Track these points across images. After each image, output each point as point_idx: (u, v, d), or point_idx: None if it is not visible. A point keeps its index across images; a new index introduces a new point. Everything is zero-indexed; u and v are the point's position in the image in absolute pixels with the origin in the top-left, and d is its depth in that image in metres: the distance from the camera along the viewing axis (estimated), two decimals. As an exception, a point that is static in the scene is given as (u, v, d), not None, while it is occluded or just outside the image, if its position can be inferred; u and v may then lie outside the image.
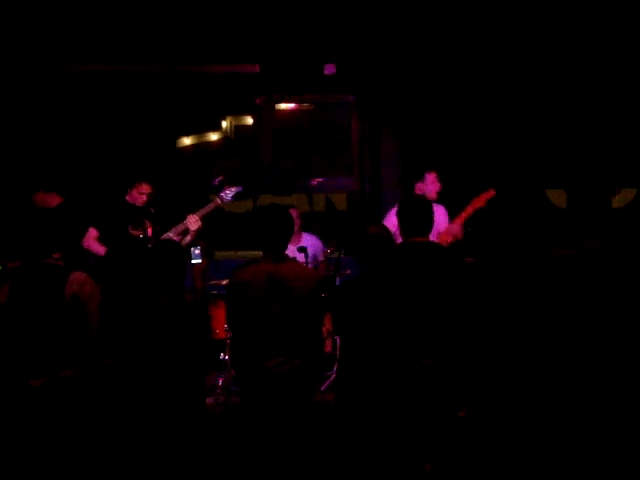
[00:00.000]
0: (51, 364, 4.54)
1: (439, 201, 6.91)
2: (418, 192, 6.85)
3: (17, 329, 4.59)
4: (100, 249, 6.64)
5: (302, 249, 7.12)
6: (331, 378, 6.83)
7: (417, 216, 5.03)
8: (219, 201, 6.80)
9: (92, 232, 6.69)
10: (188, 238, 6.59)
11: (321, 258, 7.67)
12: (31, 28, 8.11)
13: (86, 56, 8.40)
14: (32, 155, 8.35)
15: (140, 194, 6.73)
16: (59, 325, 4.56)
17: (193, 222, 6.60)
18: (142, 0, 8.13)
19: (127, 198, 6.80)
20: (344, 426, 4.65)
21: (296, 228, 7.31)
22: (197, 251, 6.46)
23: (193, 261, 6.44)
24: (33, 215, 6.86)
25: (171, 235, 6.59)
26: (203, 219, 6.67)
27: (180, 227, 6.66)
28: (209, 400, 6.45)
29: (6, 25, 8.00)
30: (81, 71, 8.56)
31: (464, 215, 6.80)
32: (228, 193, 6.83)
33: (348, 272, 7.29)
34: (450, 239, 6.63)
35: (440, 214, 6.85)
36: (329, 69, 8.79)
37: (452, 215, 6.98)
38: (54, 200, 7.20)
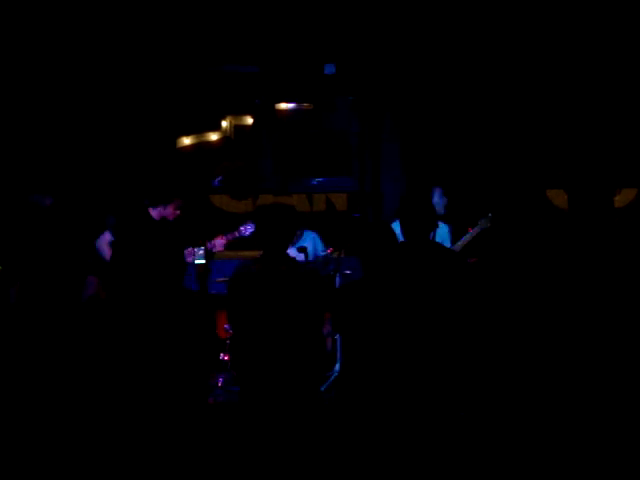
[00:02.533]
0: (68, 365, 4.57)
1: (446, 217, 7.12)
2: None
3: (30, 329, 4.61)
4: (109, 253, 6.64)
5: (302, 249, 7.11)
6: (331, 378, 6.82)
7: (418, 216, 5.02)
8: (237, 234, 6.95)
9: (107, 236, 6.70)
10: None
11: (320, 254, 7.64)
12: (32, 29, 8.11)
13: (87, 56, 8.40)
14: (30, 155, 8.34)
15: (176, 210, 6.77)
16: (76, 325, 4.60)
17: (220, 244, 6.76)
18: (141, 0, 8.13)
19: (154, 212, 6.74)
20: (346, 425, 4.65)
21: None
22: (200, 251, 6.47)
23: (196, 261, 6.45)
24: (54, 220, 6.88)
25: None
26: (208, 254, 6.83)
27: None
28: (209, 400, 6.45)
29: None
30: (85, 71, 8.55)
31: (466, 240, 7.04)
32: (248, 228, 6.96)
33: (348, 272, 7.28)
34: None
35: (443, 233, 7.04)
36: (329, 69, 8.79)
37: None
38: (48, 200, 7.20)
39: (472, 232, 7.21)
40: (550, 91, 8.66)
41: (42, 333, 4.82)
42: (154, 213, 6.74)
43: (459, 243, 7.20)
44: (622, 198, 8.59)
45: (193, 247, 6.56)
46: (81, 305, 4.57)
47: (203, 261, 6.51)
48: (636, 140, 8.60)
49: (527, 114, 8.69)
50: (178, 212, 6.79)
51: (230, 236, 6.99)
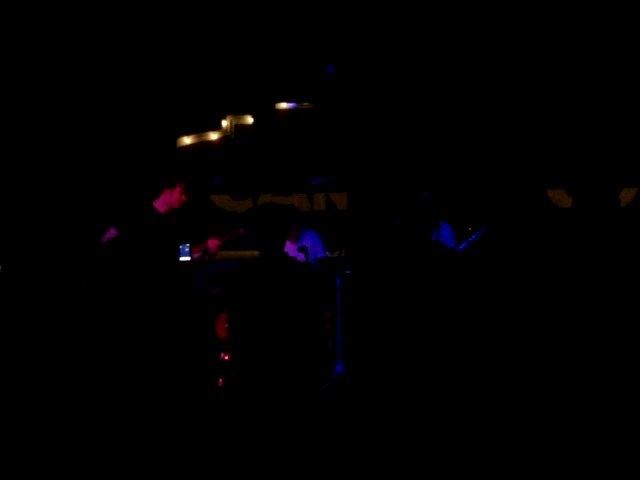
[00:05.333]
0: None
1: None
2: None
3: (28, 329, 4.63)
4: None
5: (302, 249, 7.10)
6: (331, 378, 6.81)
7: (419, 216, 5.03)
8: (242, 231, 6.96)
9: (112, 232, 6.66)
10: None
11: (320, 254, 7.63)
12: (32, 29, 8.13)
13: (88, 56, 8.41)
14: (30, 156, 8.35)
15: (181, 194, 6.72)
16: (75, 323, 4.61)
17: (213, 246, 6.72)
18: (141, 0, 8.15)
19: (157, 204, 6.70)
20: (346, 424, 4.65)
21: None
22: (186, 248, 6.44)
23: (181, 258, 6.41)
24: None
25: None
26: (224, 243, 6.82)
27: (200, 246, 6.77)
28: (209, 399, 6.44)
29: None
30: (85, 72, 8.56)
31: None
32: None
33: (348, 272, 7.27)
34: None
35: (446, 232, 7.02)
36: (329, 69, 8.80)
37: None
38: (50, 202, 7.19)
39: (474, 237, 7.17)
40: (550, 90, 8.67)
41: (38, 333, 4.83)
42: (160, 204, 6.67)
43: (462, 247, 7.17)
44: (622, 198, 8.60)
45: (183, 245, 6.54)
46: (77, 306, 4.58)
47: (188, 258, 6.44)
48: (636, 140, 8.60)
49: (527, 113, 8.69)
50: (184, 198, 6.71)
51: (230, 235, 6.97)
